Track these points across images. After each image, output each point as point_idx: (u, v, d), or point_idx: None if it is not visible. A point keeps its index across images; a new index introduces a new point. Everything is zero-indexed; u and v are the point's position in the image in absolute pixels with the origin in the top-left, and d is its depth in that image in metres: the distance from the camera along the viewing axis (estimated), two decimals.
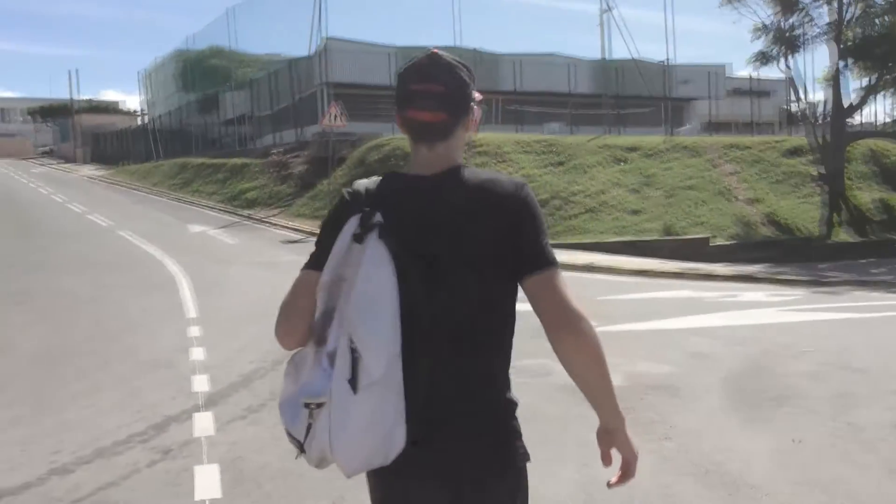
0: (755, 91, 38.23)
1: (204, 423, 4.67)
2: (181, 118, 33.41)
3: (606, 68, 29.44)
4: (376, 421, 1.45)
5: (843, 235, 20.81)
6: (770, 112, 43.93)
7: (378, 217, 1.54)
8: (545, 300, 1.54)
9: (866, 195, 23.03)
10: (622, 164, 21.60)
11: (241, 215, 20.41)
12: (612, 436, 1.60)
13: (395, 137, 20.58)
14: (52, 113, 70.63)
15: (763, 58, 21.67)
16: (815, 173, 22.49)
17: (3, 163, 52.25)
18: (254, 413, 4.90)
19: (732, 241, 18.59)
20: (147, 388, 5.46)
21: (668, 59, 30.22)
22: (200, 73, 34.79)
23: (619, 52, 35.95)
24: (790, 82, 22.66)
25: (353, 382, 1.44)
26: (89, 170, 44.37)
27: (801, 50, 21.57)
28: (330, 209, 1.68)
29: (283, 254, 13.51)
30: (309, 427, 1.49)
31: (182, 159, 32.20)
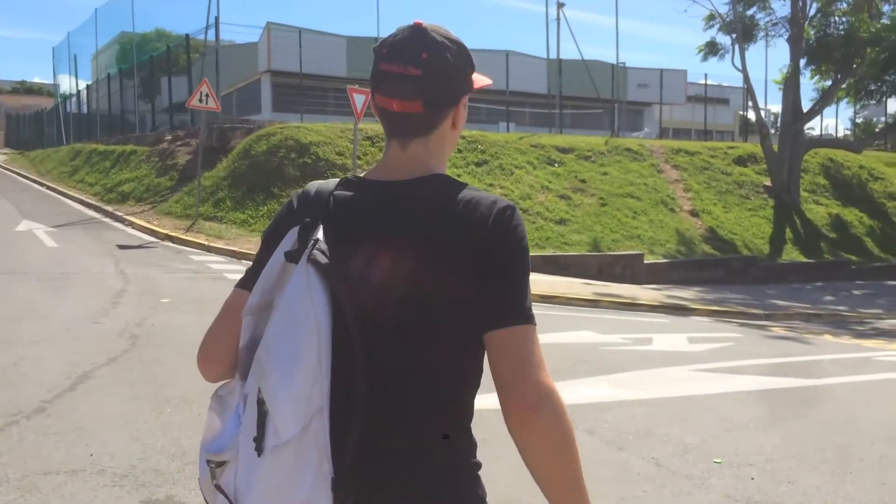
0: (713, 98, 36.61)
1: None
2: (120, 103, 29.83)
3: (557, 68, 27.05)
4: (288, 488, 1.14)
5: (794, 254, 18.59)
6: (729, 119, 42.79)
7: (319, 233, 1.22)
8: (504, 364, 1.18)
9: (822, 210, 20.90)
10: (555, 165, 19.11)
11: (103, 211, 17.44)
12: None
13: (287, 126, 17.80)
14: None
15: (713, 49, 19.33)
16: (767, 184, 20.27)
17: None
18: None
19: (669, 259, 16.19)
20: None
21: (617, 60, 27.94)
22: (143, 56, 31.41)
23: (569, 54, 33.60)
24: (744, 81, 20.37)
25: (258, 443, 1.15)
26: None
27: (756, 41, 19.22)
28: (276, 214, 1.37)
29: (97, 264, 10.68)
30: (217, 487, 1.22)
31: (80, 145, 29.03)
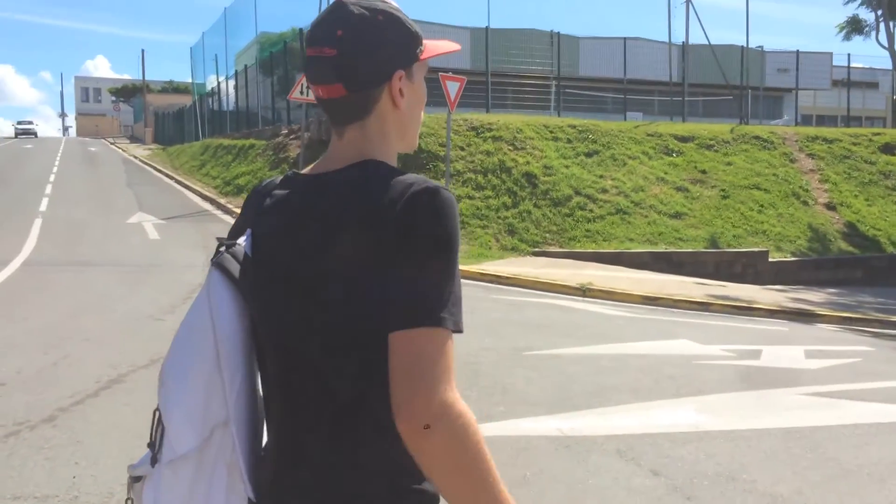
0: (860, 81, 33.64)
1: None
2: (246, 99, 30.90)
3: (681, 53, 25.49)
4: None
5: None
6: (880, 105, 39.31)
7: (245, 237, 1.16)
8: (397, 372, 1.02)
9: None
10: (673, 155, 17.85)
11: (217, 203, 17.86)
12: None
13: None
14: (132, 93, 71.22)
15: (856, 26, 17.41)
16: None
17: (76, 141, 52.84)
18: None
19: (798, 257, 14.66)
20: None
21: (747, 42, 25.85)
22: (280, 55, 32.64)
23: (694, 38, 31.51)
24: (892, 60, 18.22)
25: (153, 454, 1.11)
26: (142, 149, 43.68)
27: None
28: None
29: (188, 256, 10.76)
30: (128, 501, 1.18)
31: (210, 139, 30.24)
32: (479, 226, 14.14)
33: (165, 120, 51.84)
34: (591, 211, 15.09)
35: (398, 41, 1.17)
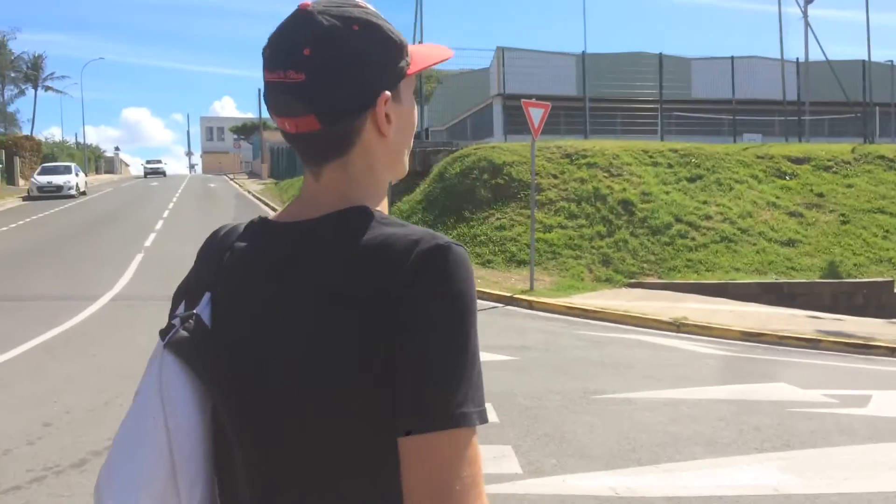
0: None
1: None
2: None
3: (796, 70, 24.17)
4: None
5: None
6: None
7: (203, 304, 0.94)
8: (413, 486, 0.83)
9: None
10: (785, 178, 16.73)
11: None
12: None
13: (482, 147, 17.36)
14: (251, 131, 74.90)
15: None
16: None
17: (200, 178, 56.04)
18: None
19: None
20: None
21: (869, 56, 24.26)
22: None
23: (810, 54, 29.76)
24: None
25: None
26: (257, 184, 45.56)
27: None
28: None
29: None
30: None
31: None
32: (571, 256, 13.63)
33: (280, 155, 54.10)
34: (692, 239, 14.27)
35: (380, 57, 0.94)
